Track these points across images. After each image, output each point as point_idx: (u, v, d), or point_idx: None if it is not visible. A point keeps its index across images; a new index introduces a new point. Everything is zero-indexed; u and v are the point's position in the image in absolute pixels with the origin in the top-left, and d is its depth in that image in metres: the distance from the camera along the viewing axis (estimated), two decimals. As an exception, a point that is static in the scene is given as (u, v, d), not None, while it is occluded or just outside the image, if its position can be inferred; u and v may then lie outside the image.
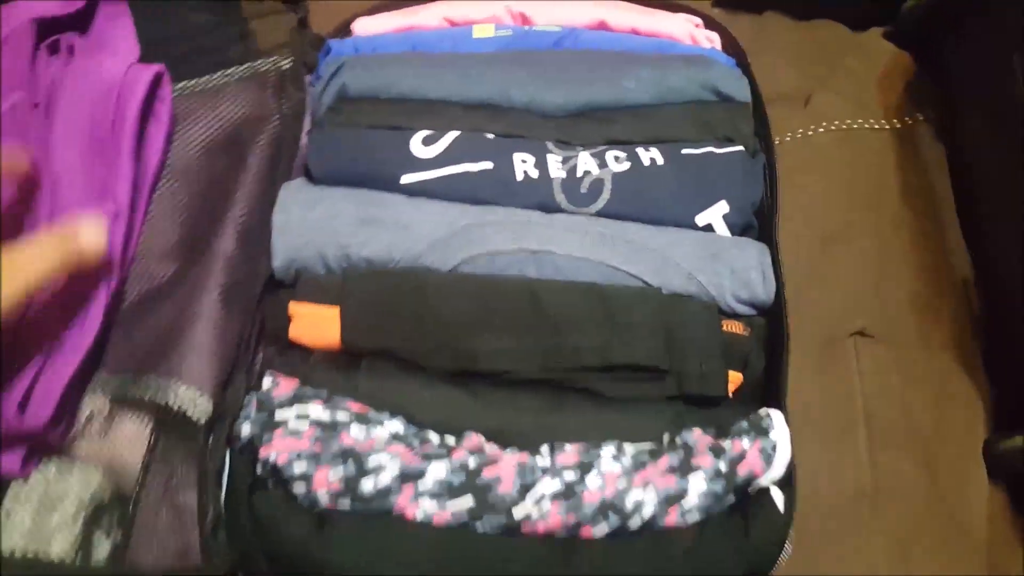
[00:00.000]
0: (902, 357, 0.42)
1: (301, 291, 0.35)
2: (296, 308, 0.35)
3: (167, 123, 0.38)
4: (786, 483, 0.31)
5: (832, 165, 0.46)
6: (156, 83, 0.37)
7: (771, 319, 0.36)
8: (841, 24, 0.54)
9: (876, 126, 0.47)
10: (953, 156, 0.45)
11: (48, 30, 0.38)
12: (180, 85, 0.40)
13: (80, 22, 0.40)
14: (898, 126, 0.47)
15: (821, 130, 0.47)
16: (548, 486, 0.30)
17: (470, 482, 0.30)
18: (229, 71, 0.41)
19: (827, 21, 0.54)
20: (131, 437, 0.32)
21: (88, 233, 0.29)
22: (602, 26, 0.45)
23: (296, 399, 0.31)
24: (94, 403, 0.32)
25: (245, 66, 0.41)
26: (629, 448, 0.31)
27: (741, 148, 0.40)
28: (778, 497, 0.31)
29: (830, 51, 0.53)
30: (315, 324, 0.35)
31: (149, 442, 0.32)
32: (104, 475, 0.32)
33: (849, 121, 0.47)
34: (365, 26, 0.45)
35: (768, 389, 0.35)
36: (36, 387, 0.31)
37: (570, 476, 0.30)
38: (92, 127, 0.35)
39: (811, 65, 0.52)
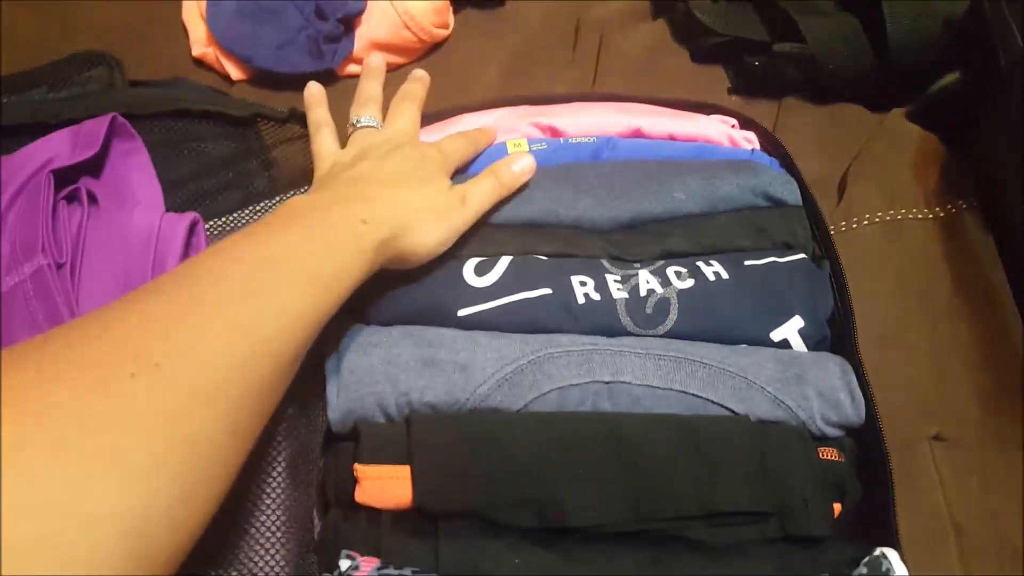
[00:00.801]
0: (979, 460, 0.43)
1: (365, 449, 0.35)
2: (363, 470, 0.34)
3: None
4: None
5: (878, 260, 0.48)
6: (189, 230, 0.37)
7: (859, 438, 0.37)
8: (861, 107, 0.57)
9: (919, 216, 0.49)
10: (1003, 242, 0.48)
11: (62, 176, 0.38)
12: (208, 225, 0.39)
13: (93, 162, 0.40)
14: (941, 215, 0.49)
15: (865, 223, 0.49)
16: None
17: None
18: (259, 206, 0.41)
19: (847, 104, 0.57)
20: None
21: (519, 164, 0.41)
22: (638, 134, 0.46)
23: (382, 584, 0.30)
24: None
25: (276, 199, 0.41)
26: (752, 608, 0.31)
27: (804, 256, 0.41)
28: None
29: (855, 136, 0.55)
30: (384, 485, 0.34)
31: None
32: None
33: (892, 212, 0.49)
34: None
35: (871, 519, 0.35)
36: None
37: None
38: (126, 283, 0.35)
39: (837, 151, 0.55)
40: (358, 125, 0.42)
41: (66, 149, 0.38)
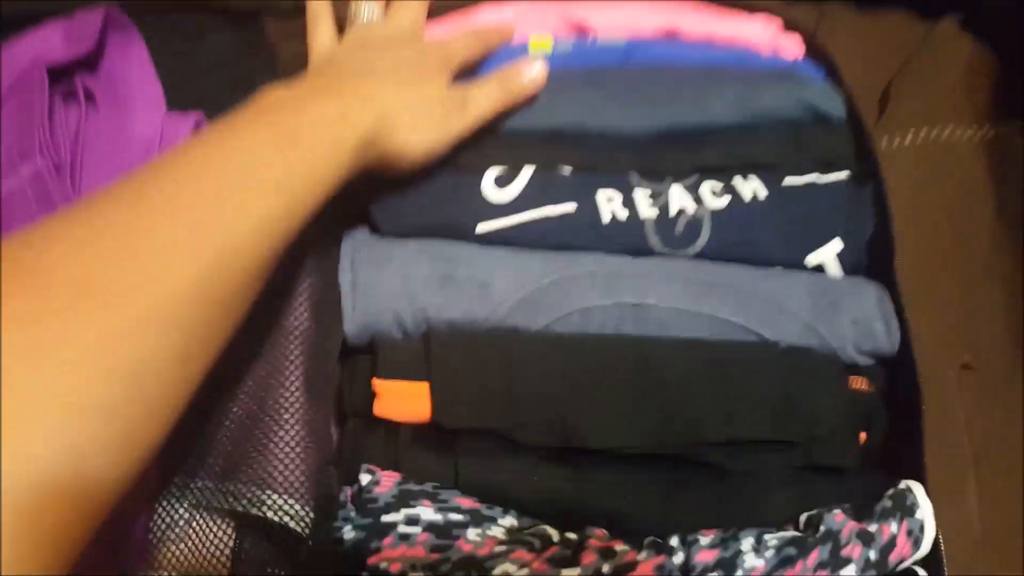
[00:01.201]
0: (1005, 391, 0.43)
1: (383, 364, 0.35)
2: (381, 385, 0.34)
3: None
4: (931, 561, 0.33)
5: (918, 180, 0.46)
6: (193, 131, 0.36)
7: (893, 369, 0.37)
8: (910, 13, 0.54)
9: (965, 136, 0.48)
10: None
11: (55, 73, 0.37)
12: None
13: (89, 58, 0.38)
14: (990, 135, 0.48)
15: (907, 142, 0.47)
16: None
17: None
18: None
19: (895, 9, 0.54)
20: (214, 543, 0.31)
21: (528, 72, 0.39)
22: (674, 34, 0.44)
23: (402, 499, 0.31)
24: (172, 510, 0.31)
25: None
26: (771, 539, 0.31)
27: (846, 176, 0.40)
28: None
29: (902, 45, 0.53)
30: (402, 401, 0.34)
31: (234, 548, 0.31)
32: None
33: (937, 130, 0.48)
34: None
35: (896, 449, 0.36)
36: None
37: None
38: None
39: (881, 61, 0.53)
40: (357, 18, 0.40)
41: (58, 43, 0.36)
